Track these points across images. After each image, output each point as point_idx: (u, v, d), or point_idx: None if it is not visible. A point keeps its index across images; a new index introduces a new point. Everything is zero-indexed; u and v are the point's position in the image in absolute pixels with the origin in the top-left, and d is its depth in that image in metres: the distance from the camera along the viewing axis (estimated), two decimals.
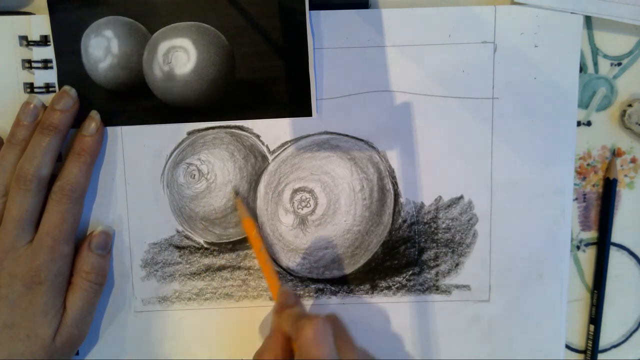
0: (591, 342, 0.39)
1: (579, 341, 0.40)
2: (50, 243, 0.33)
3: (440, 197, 0.38)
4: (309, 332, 0.30)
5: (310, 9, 0.35)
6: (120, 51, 0.36)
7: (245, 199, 0.37)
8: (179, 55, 0.36)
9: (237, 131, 0.37)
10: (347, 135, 0.37)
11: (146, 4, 0.35)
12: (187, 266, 0.38)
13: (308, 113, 0.37)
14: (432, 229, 0.38)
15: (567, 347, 0.40)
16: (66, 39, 0.36)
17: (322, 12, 0.36)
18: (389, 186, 0.38)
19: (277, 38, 0.36)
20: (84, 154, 0.35)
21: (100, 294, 0.36)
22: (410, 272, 0.38)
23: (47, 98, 0.36)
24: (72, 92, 0.35)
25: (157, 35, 0.36)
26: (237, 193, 0.36)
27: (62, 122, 0.34)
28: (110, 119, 0.36)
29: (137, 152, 0.37)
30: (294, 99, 0.36)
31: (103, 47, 0.36)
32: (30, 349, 0.33)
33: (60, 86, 0.36)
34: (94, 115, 0.36)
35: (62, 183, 0.34)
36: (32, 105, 0.35)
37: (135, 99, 0.36)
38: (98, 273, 0.35)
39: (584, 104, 0.38)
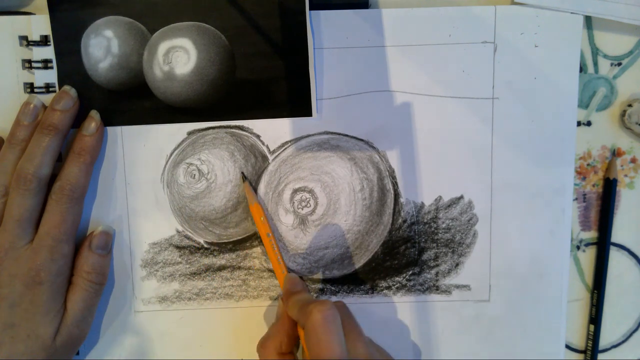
0: (591, 342, 0.39)
1: (579, 341, 0.40)
2: (50, 243, 0.33)
3: (440, 197, 0.38)
4: (317, 316, 0.29)
5: (310, 9, 0.35)
6: (120, 51, 0.36)
7: (252, 184, 0.36)
8: (179, 55, 0.35)
9: (237, 131, 0.37)
10: (347, 135, 0.37)
11: (146, 3, 0.35)
12: (187, 266, 0.38)
13: (308, 113, 0.37)
14: (432, 229, 0.38)
15: (567, 347, 0.40)
16: (66, 39, 0.35)
17: (322, 12, 0.36)
18: (389, 186, 0.37)
19: (277, 38, 0.35)
20: (84, 153, 0.35)
21: (101, 293, 0.36)
22: (410, 272, 0.38)
23: (47, 98, 0.36)
24: (72, 92, 0.35)
25: (157, 35, 0.36)
26: (244, 177, 0.36)
27: (62, 122, 0.34)
28: (111, 119, 0.36)
29: (137, 152, 0.37)
30: (294, 99, 0.36)
31: (103, 47, 0.36)
32: (31, 349, 0.33)
33: (60, 86, 0.36)
34: (94, 115, 0.36)
35: (62, 183, 0.34)
36: (32, 105, 0.35)
37: (135, 99, 0.36)
38: (98, 273, 0.35)
39: (584, 104, 0.38)
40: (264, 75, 0.36)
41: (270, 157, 0.37)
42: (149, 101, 0.36)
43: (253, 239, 0.38)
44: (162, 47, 0.35)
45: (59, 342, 0.34)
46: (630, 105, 0.37)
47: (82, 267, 0.35)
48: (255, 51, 0.35)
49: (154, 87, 0.36)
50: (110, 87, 0.36)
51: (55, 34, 0.35)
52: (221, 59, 0.35)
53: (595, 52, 0.37)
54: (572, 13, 0.36)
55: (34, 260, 0.33)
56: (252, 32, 0.35)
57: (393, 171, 0.37)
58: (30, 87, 0.36)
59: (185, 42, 0.35)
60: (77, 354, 0.38)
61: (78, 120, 0.36)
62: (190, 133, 0.37)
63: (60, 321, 0.34)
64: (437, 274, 0.38)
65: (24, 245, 0.33)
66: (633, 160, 0.39)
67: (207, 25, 0.35)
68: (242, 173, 0.35)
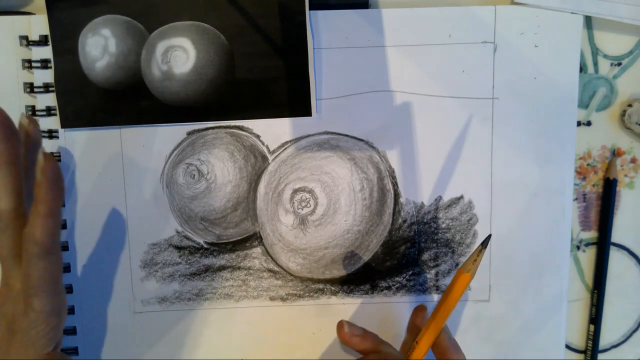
0: (591, 342, 0.39)
1: (579, 341, 0.40)
2: (25, 294, 0.30)
3: (440, 197, 0.37)
4: None
5: (310, 9, 0.35)
6: (117, 50, 0.35)
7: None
8: (178, 55, 0.35)
9: (237, 131, 0.37)
10: (347, 135, 0.37)
11: (145, 2, 0.35)
12: (187, 266, 0.37)
13: (308, 113, 0.36)
14: (432, 229, 0.37)
15: (567, 347, 0.40)
16: (64, 37, 0.35)
17: (322, 12, 0.35)
18: (389, 186, 0.37)
19: (276, 38, 0.35)
20: (43, 203, 0.29)
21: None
22: (410, 272, 0.38)
23: (46, 98, 0.36)
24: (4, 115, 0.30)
25: (155, 34, 0.35)
26: (483, 244, 0.32)
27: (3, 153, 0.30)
28: (108, 119, 0.36)
29: (137, 152, 0.36)
30: (293, 99, 0.36)
31: (100, 46, 0.35)
32: None
33: (57, 85, 0.35)
34: (41, 157, 0.29)
35: (27, 239, 0.29)
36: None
37: (133, 99, 0.36)
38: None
39: (584, 104, 0.38)
40: (264, 75, 0.35)
41: (270, 157, 0.37)
42: (147, 101, 0.36)
43: (253, 239, 0.37)
44: (161, 47, 0.35)
45: None
46: (630, 105, 0.37)
47: None
48: (254, 51, 0.35)
49: (152, 86, 0.35)
50: (107, 86, 0.35)
51: (53, 33, 0.35)
52: (220, 58, 0.35)
53: (595, 52, 0.37)
54: (572, 13, 0.36)
55: (14, 308, 0.31)
56: (252, 31, 0.35)
57: (393, 171, 0.37)
58: (30, 87, 0.36)
59: (184, 42, 0.35)
60: (77, 354, 0.37)
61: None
62: (189, 133, 0.36)
63: None
64: (437, 274, 0.38)
65: (12, 285, 0.31)
66: (633, 160, 0.38)
67: (206, 25, 0.35)
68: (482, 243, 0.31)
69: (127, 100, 0.36)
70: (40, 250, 0.30)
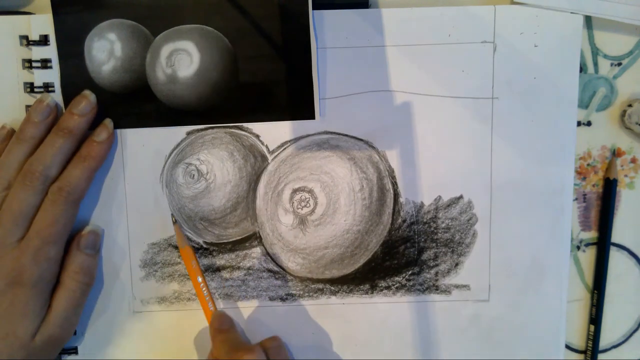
0: (591, 342, 0.41)
1: (579, 341, 0.41)
2: (37, 244, 0.34)
3: (439, 196, 0.39)
4: None
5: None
6: (123, 54, 0.37)
7: (182, 227, 0.38)
8: (182, 58, 0.36)
9: (236, 131, 0.38)
10: (347, 135, 0.38)
11: (149, 7, 0.37)
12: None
13: (311, 116, 0.38)
14: (432, 229, 0.39)
15: (567, 347, 0.41)
16: (69, 41, 0.37)
17: (323, 12, 0.37)
18: (389, 186, 0.38)
19: (280, 41, 0.37)
20: (90, 159, 0.36)
21: (88, 294, 0.37)
22: (410, 272, 0.39)
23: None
24: (92, 97, 0.37)
25: (160, 38, 0.37)
26: (175, 220, 0.38)
27: (78, 127, 0.36)
28: (113, 122, 0.37)
29: (136, 152, 0.38)
30: (297, 102, 0.37)
31: (106, 50, 0.37)
32: (9, 349, 0.33)
33: (63, 88, 0.37)
34: (108, 123, 0.37)
35: (61, 184, 0.35)
36: (45, 104, 0.36)
37: (138, 102, 0.38)
38: (86, 273, 0.36)
39: (584, 104, 0.39)
40: (267, 78, 0.37)
41: (270, 157, 0.38)
42: (152, 104, 0.37)
43: (252, 239, 0.39)
44: (165, 50, 0.36)
45: (39, 341, 0.34)
46: (630, 105, 0.39)
47: (70, 267, 0.36)
48: (258, 54, 0.37)
49: (156, 89, 0.37)
50: (113, 89, 0.37)
51: (59, 36, 0.37)
52: (224, 61, 0.36)
53: (595, 52, 0.38)
54: (572, 13, 0.37)
55: (18, 260, 0.34)
56: (255, 34, 0.36)
57: (393, 171, 0.38)
58: (30, 87, 0.37)
59: (188, 45, 0.36)
60: (77, 354, 0.39)
61: (92, 125, 0.37)
62: (189, 133, 0.38)
63: (42, 321, 0.35)
64: (436, 273, 0.39)
65: (13, 242, 0.34)
66: (633, 160, 0.40)
67: (210, 28, 0.37)
68: (172, 215, 0.37)
69: (132, 104, 0.38)
70: (76, 198, 0.35)
